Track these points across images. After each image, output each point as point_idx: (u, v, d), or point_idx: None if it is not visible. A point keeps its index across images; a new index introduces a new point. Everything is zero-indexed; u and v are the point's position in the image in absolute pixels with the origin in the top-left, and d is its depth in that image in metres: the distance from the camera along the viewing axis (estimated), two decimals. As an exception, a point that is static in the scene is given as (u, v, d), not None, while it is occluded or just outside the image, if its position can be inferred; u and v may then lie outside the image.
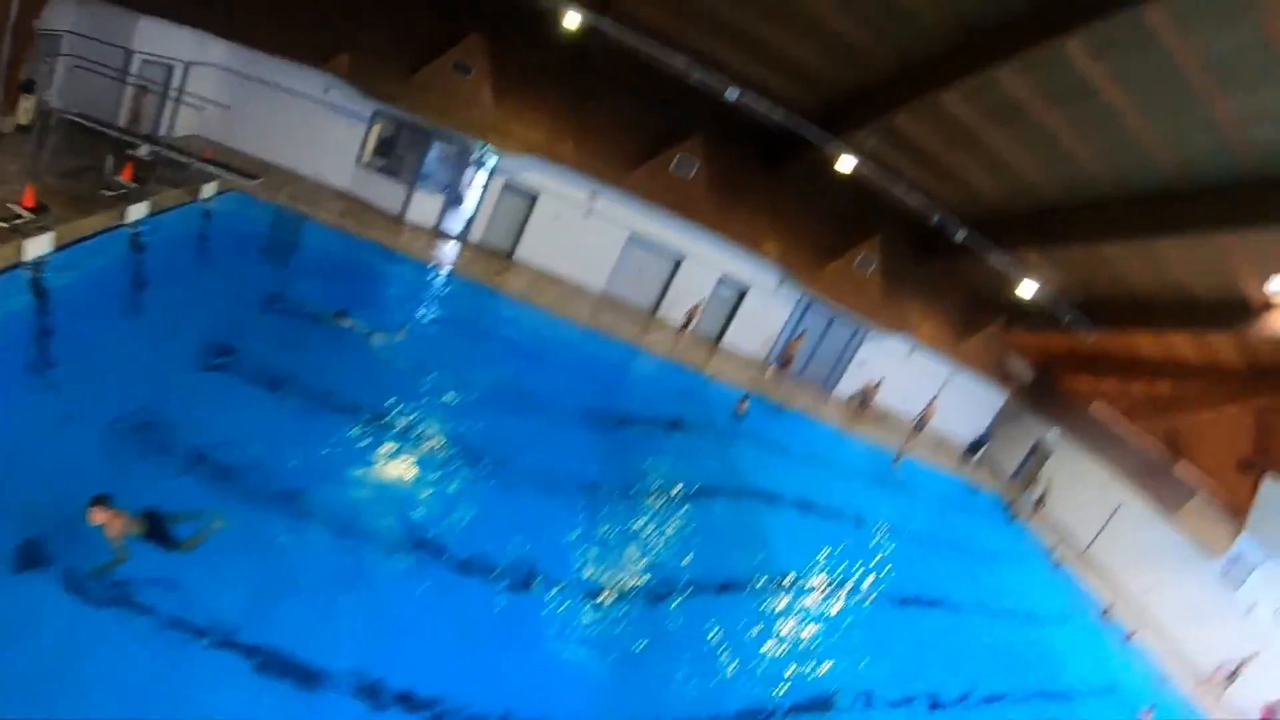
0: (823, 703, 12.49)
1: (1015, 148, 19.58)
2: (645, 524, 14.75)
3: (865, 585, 16.55)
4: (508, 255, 24.92)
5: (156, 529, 8.82)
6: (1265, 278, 18.20)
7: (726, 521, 16.30)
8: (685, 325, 26.17)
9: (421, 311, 18.85)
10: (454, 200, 24.81)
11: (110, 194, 14.74)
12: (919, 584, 17.77)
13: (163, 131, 18.61)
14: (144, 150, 16.52)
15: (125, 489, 8.78)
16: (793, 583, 15.28)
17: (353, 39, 21.38)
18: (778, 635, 13.55)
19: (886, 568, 17.69)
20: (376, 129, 22.71)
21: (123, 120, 17.76)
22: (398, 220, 22.87)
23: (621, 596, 12.48)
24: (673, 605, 12.89)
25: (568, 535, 13.28)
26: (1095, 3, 12.97)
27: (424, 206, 23.46)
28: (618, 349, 22.28)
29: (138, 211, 14.80)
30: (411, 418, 14.19)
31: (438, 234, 23.66)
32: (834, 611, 15.09)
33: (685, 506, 15.98)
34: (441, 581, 10.93)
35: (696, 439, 19.48)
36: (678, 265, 26.33)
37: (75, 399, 10.52)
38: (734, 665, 12.29)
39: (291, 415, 12.75)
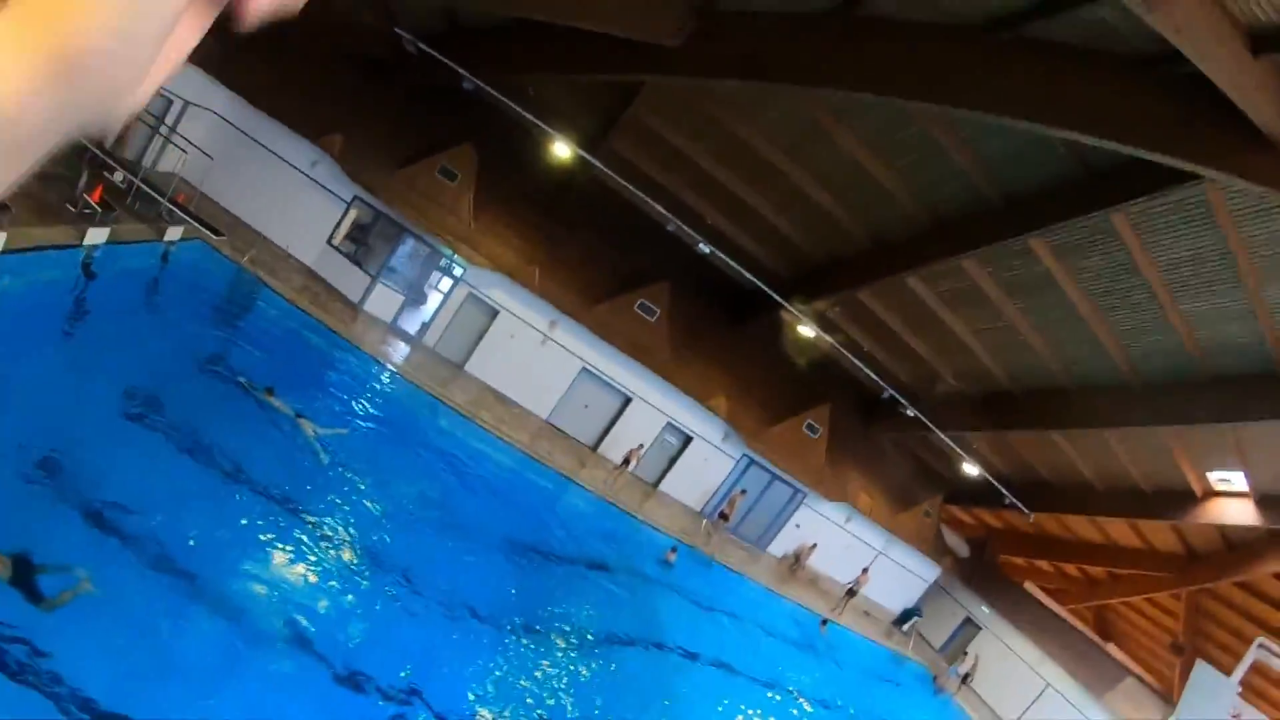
0: None
1: (971, 333, 20.23)
2: (549, 667, 13.89)
3: None
4: (459, 366, 24.36)
5: (22, 575, 8.05)
6: (1206, 470, 18.88)
7: (637, 675, 15.50)
8: (624, 465, 25.68)
9: (358, 406, 18.12)
10: (415, 300, 24.49)
11: (74, 210, 14.05)
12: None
13: (146, 163, 18.03)
14: (119, 176, 15.94)
15: (4, 525, 8.20)
16: None
17: (350, 121, 21.41)
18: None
19: None
20: (353, 214, 22.46)
21: (108, 140, 17.05)
22: (355, 308, 22.28)
23: None
24: None
25: (463, 667, 12.42)
26: (1063, 208, 13.50)
27: (384, 300, 22.94)
28: (552, 479, 21.61)
29: (97, 235, 14.12)
30: (324, 515, 13.37)
31: (392, 330, 23.07)
32: None
33: (596, 653, 15.21)
34: (321, 693, 10.03)
35: (619, 584, 18.76)
36: (625, 405, 26.01)
37: None
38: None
39: (201, 486, 11.89)
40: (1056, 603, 28.54)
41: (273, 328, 18.03)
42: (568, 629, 15.30)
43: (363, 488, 14.83)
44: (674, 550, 21.42)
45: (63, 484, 9.96)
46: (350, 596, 12.05)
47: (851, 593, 28.33)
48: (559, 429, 25.60)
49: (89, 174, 14.68)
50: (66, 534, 9.28)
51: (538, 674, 13.40)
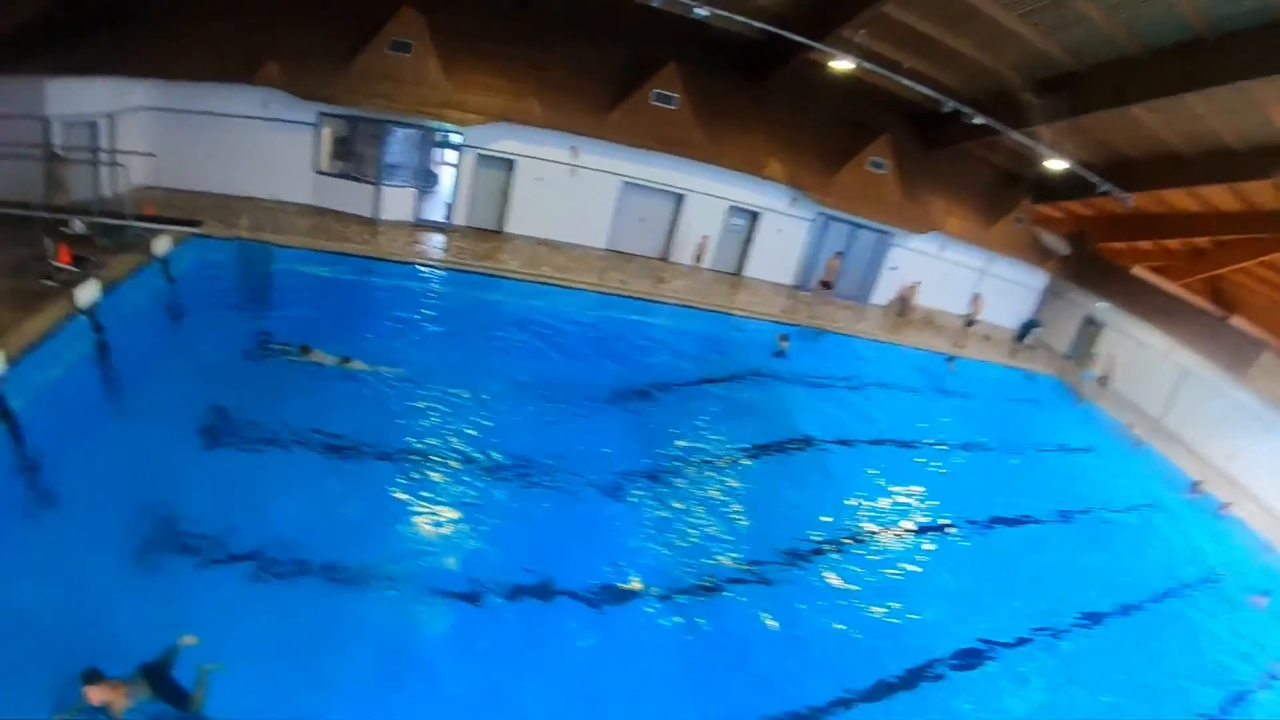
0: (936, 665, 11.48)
1: (1017, 19, 17.82)
2: (712, 497, 13.81)
3: (950, 509, 15.48)
4: (498, 232, 23.32)
5: (161, 683, 7.79)
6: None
7: (785, 475, 15.24)
8: (697, 259, 24.58)
9: (417, 315, 17.57)
10: (427, 187, 23.20)
11: (53, 284, 13.22)
12: (1003, 497, 16.70)
13: (107, 193, 16.89)
14: (76, 225, 14.92)
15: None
16: (878, 526, 14.41)
17: (278, 45, 19.57)
18: (880, 591, 12.60)
19: (968, 483, 16.70)
20: (328, 132, 21.00)
21: (44, 197, 15.85)
22: (372, 222, 21.24)
23: (706, 587, 11.61)
24: (759, 584, 12.01)
25: (627, 533, 12.36)
26: None
27: (396, 201, 21.80)
28: (636, 308, 20.89)
29: (89, 294, 13.29)
30: (438, 446, 13.12)
31: (418, 226, 22.06)
32: (925, 548, 14.18)
33: (741, 469, 15.04)
34: (518, 618, 10.17)
35: (739, 390, 18.26)
36: (679, 204, 24.69)
37: (78, 523, 9.56)
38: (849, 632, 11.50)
39: (296, 473, 11.67)
40: (1168, 282, 26.62)
41: (301, 282, 17.34)
42: (706, 455, 15.08)
43: (455, 397, 14.53)
44: (784, 337, 20.58)
45: (184, 541, 9.89)
46: (491, 512, 11.96)
47: (970, 322, 27.17)
48: (623, 253, 24.58)
49: (48, 241, 13.71)
50: (215, 585, 9.35)
51: (697, 511, 13.30)
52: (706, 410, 16.87)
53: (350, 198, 21.28)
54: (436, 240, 21.34)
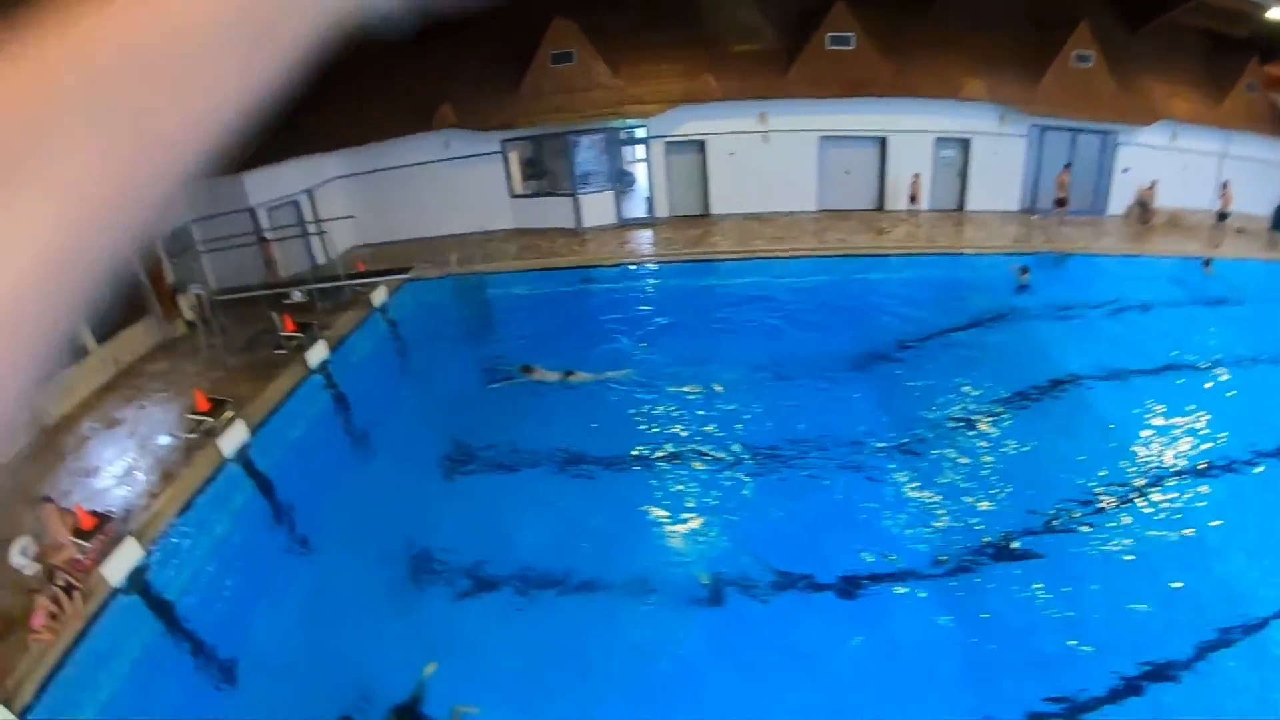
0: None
1: None
2: (972, 462, 11.98)
3: (1241, 441, 12.09)
4: (704, 215, 22.26)
5: None
6: None
7: (1058, 421, 12.98)
8: (912, 200, 22.29)
9: (641, 315, 16.84)
10: (623, 187, 22.57)
11: (283, 352, 13.54)
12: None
13: (320, 260, 17.53)
14: (296, 295, 15.55)
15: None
16: (1159, 472, 11.61)
17: (448, 88, 19.67)
18: (1172, 552, 10.03)
19: (1257, 407, 13.10)
20: (514, 156, 20.96)
21: (263, 277, 16.79)
22: (577, 232, 20.83)
23: (974, 564, 9.96)
24: (1032, 557, 10.09)
25: (892, 517, 10.84)
26: None
27: (596, 207, 21.30)
28: (861, 265, 19.07)
29: (318, 354, 13.53)
30: (677, 447, 12.25)
31: (623, 227, 21.45)
32: (1219, 494, 11.14)
33: (1009, 420, 13.02)
34: (820, 611, 9.29)
35: (986, 335, 16.06)
36: (884, 148, 22.60)
37: (334, 566, 9.73)
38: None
39: (550, 494, 11.22)
40: None
41: (519, 304, 17.14)
42: (959, 413, 13.26)
43: (688, 392, 13.64)
44: (1024, 269, 17.95)
45: (428, 572, 9.80)
46: (739, 509, 11.00)
47: (1222, 216, 22.76)
48: (835, 211, 22.74)
49: (273, 315, 14.17)
50: (462, 621, 9.08)
51: (957, 479, 11.56)
52: (954, 363, 15.02)
53: (550, 214, 21.00)
54: (644, 237, 20.63)
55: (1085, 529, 10.48)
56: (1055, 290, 17.58)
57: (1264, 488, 11.18)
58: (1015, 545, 10.20)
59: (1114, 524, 10.55)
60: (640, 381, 13.88)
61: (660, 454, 12.05)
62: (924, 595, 9.49)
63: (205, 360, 13.83)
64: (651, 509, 10.93)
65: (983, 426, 12.88)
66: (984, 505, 10.92)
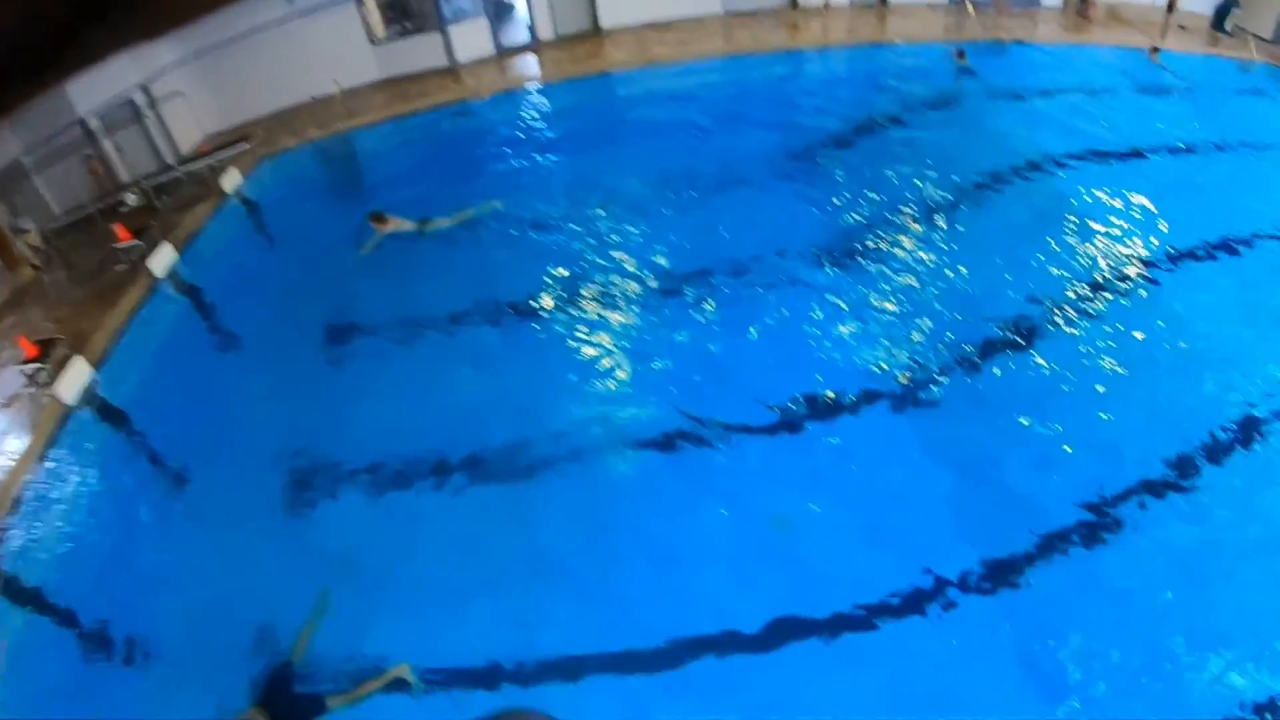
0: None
1: None
2: (926, 263, 10.77)
3: (1193, 230, 10.91)
4: (594, 30, 19.85)
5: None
6: None
7: (1007, 215, 11.76)
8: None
9: (532, 148, 14.92)
10: (499, 12, 19.98)
11: (124, 267, 11.71)
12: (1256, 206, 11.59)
13: (169, 159, 15.32)
14: (130, 199, 13.67)
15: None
16: (1119, 267, 10.40)
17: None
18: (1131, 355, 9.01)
19: (1209, 196, 11.89)
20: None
21: (91, 192, 14.51)
22: (452, 69, 18.50)
23: (930, 381, 8.89)
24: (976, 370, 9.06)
25: (835, 336, 9.60)
26: None
27: (470, 38, 18.80)
28: (777, 63, 17.20)
29: (164, 260, 11.83)
30: (585, 280, 10.90)
31: (503, 55, 19.10)
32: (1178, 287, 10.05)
33: (961, 218, 11.69)
34: (771, 449, 8.23)
35: (929, 126, 14.41)
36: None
37: (220, 486, 8.45)
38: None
39: (447, 362, 9.86)
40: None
41: (393, 160, 15.20)
42: (902, 214, 11.84)
43: (592, 218, 12.17)
44: (960, 53, 16.02)
45: (329, 473, 8.47)
46: (682, 331, 9.86)
47: (1171, 6, 20.09)
48: (742, 12, 20.24)
49: (106, 224, 12.52)
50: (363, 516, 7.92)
51: (906, 286, 10.35)
52: (893, 159, 13.36)
53: (419, 55, 18.58)
54: (527, 62, 18.50)
55: (1039, 334, 9.41)
56: (998, 78, 15.89)
57: (1217, 282, 10.19)
58: (976, 356, 9.10)
59: (1080, 326, 9.51)
60: (535, 216, 12.33)
61: (568, 295, 10.61)
62: (888, 420, 8.45)
63: (54, 300, 11.98)
64: (566, 363, 9.53)
65: (926, 225, 11.55)
66: (942, 316, 9.74)
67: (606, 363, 9.44)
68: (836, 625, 6.48)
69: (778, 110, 15.44)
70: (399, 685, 6.17)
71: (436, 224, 12.22)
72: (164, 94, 15.89)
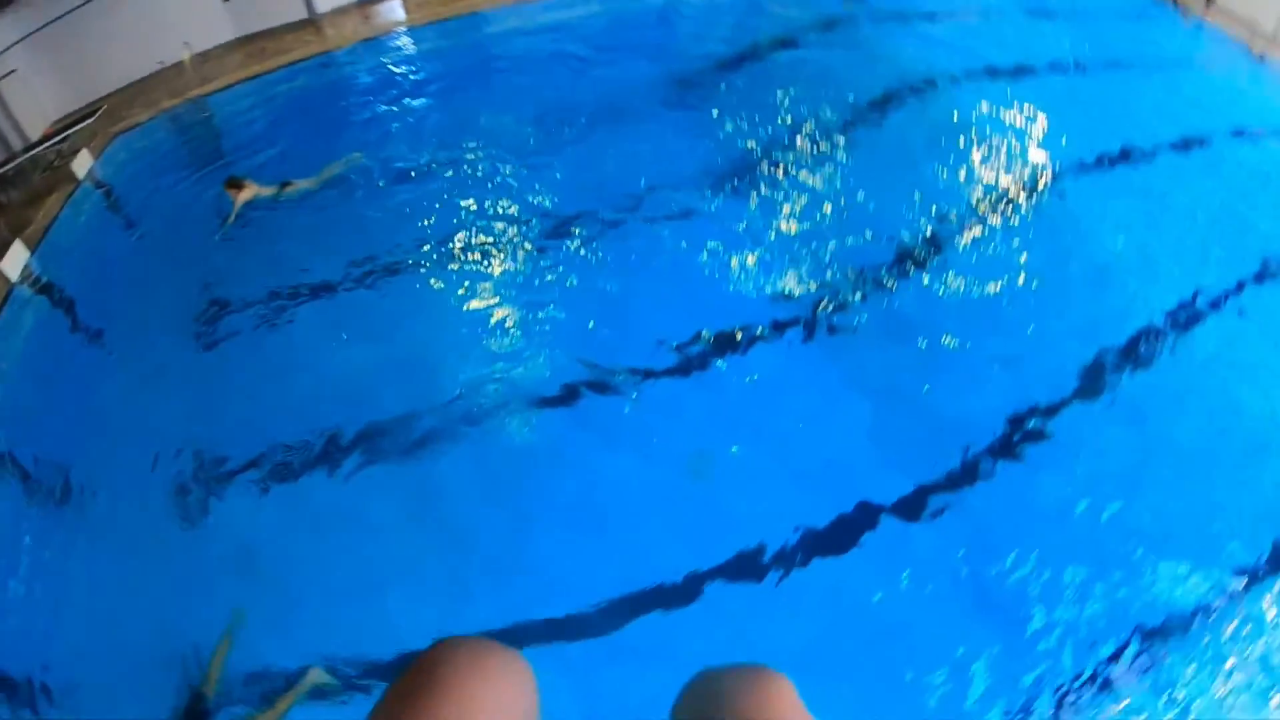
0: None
1: None
2: (824, 184, 10.53)
3: (1077, 146, 10.90)
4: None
5: None
6: None
7: (897, 138, 11.52)
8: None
9: (398, 90, 14.28)
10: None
11: (-28, 270, 10.88)
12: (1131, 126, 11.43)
13: (15, 148, 14.15)
14: None
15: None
16: (1010, 186, 10.34)
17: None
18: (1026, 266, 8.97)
19: (1088, 116, 11.84)
20: (213, -53, 16.94)
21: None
22: (311, 21, 17.45)
23: (850, 295, 8.74)
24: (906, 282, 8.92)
25: (743, 253, 9.38)
26: None
27: (326, -14, 17.73)
28: None
29: (15, 261, 10.87)
30: (476, 225, 10.41)
31: (367, 3, 18.05)
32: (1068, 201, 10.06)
33: (856, 136, 11.44)
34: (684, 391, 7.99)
35: (816, 45, 14.02)
36: None
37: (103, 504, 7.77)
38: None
39: (321, 336, 9.24)
40: None
41: (254, 123, 14.21)
42: (805, 132, 11.51)
43: (463, 164, 11.60)
44: None
45: (214, 473, 7.90)
46: (572, 276, 9.44)
47: None
48: None
49: None
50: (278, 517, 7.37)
51: (813, 203, 10.13)
52: (780, 82, 12.92)
53: (275, 7, 17.39)
54: (393, 7, 17.42)
55: (961, 246, 9.34)
56: (884, 2, 15.56)
57: (1131, 185, 10.30)
58: (885, 278, 8.92)
59: (989, 242, 9.46)
60: (399, 168, 11.70)
61: (447, 248, 10.09)
62: (800, 351, 8.25)
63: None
64: (452, 321, 9.12)
65: (831, 147, 11.24)
66: (846, 239, 9.49)
67: (496, 317, 9.01)
68: (772, 567, 6.38)
69: (658, 37, 15.00)
70: (319, 693, 5.89)
71: (297, 186, 11.51)
72: (2, 76, 14.65)
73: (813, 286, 8.85)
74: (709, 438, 7.42)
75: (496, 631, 5.96)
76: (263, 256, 10.61)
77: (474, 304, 9.23)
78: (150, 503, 7.68)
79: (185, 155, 13.77)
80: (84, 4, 15.59)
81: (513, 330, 8.86)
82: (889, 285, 8.82)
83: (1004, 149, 10.95)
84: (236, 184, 11.35)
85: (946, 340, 8.06)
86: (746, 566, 6.33)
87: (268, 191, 11.48)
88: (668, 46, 14.59)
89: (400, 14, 16.85)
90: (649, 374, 8.03)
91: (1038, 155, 10.83)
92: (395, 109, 13.65)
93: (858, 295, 8.72)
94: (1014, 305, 8.43)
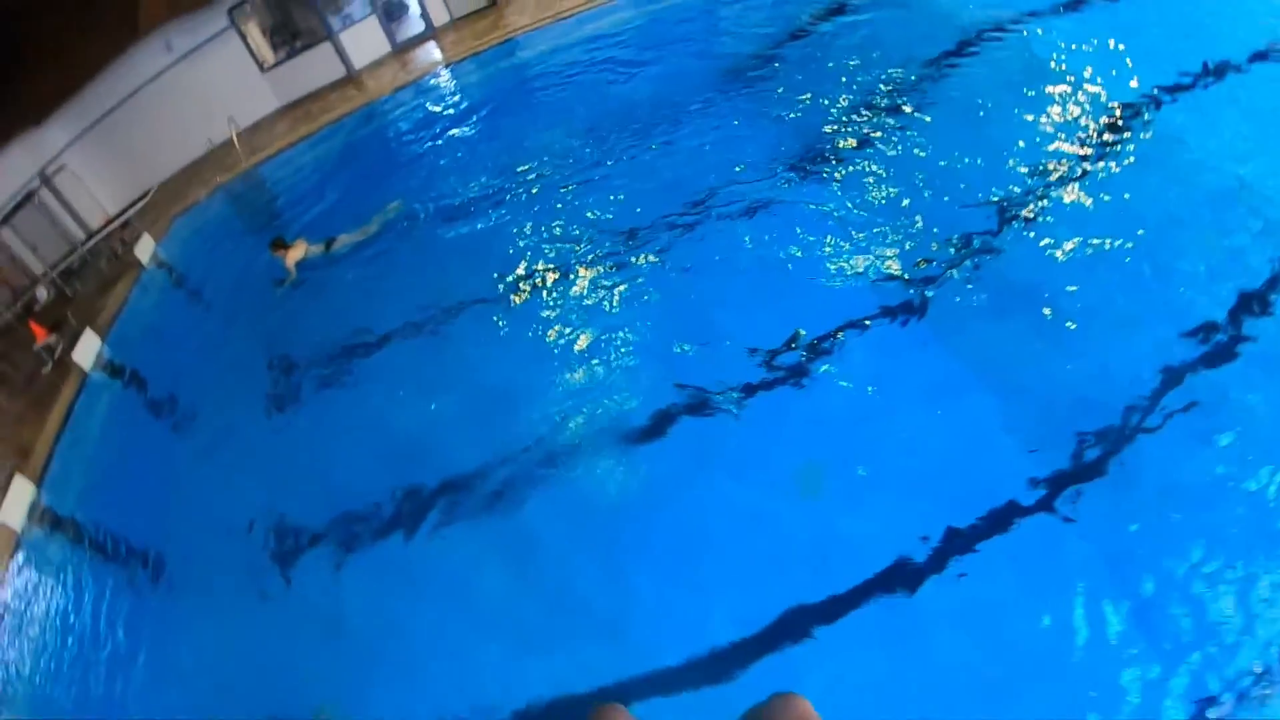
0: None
1: None
2: (901, 152, 9.43)
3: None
4: (490, 3, 18.70)
5: None
6: None
7: (980, 84, 10.40)
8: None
9: (443, 124, 13.99)
10: (389, 8, 18.92)
11: (51, 361, 11.02)
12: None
13: (78, 239, 14.32)
14: (41, 294, 12.88)
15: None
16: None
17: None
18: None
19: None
20: (250, 25, 17.20)
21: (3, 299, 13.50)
22: (352, 76, 17.48)
23: (949, 267, 7.58)
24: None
25: (826, 238, 8.33)
26: None
27: (363, 41, 17.85)
28: None
29: (89, 351, 10.93)
30: (539, 252, 9.74)
31: (402, 48, 18.09)
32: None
33: (926, 95, 10.37)
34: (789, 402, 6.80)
35: (868, 10, 13.12)
36: None
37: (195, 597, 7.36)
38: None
39: (396, 379, 8.80)
40: None
41: (305, 184, 14.11)
42: (872, 100, 10.57)
43: (524, 188, 11.05)
44: None
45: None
46: (654, 294, 8.48)
47: None
48: None
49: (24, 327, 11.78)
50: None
51: (883, 194, 8.97)
52: (837, 53, 12.06)
53: (315, 72, 17.63)
54: (428, 50, 17.48)
55: (1061, 198, 8.12)
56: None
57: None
58: (996, 246, 7.77)
59: (1092, 188, 8.16)
60: (450, 204, 11.30)
61: (510, 281, 9.39)
62: (903, 336, 7.18)
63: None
64: (526, 359, 8.26)
65: (900, 113, 10.17)
66: (935, 208, 8.45)
67: (571, 348, 8.12)
68: (903, 586, 5.41)
69: (700, 29, 14.32)
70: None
71: (344, 240, 11.23)
72: (63, 175, 14.90)
73: (918, 263, 7.67)
74: (819, 449, 6.32)
75: (609, 688, 5.27)
76: (322, 315, 10.28)
77: (545, 336, 8.42)
78: (234, 578, 7.31)
79: (241, 225, 13.80)
80: (130, 97, 15.85)
81: (591, 360, 7.94)
82: (998, 250, 7.77)
83: (1088, 86, 9.71)
84: (282, 245, 11.16)
85: (1068, 303, 6.97)
86: (878, 589, 5.39)
87: (317, 249, 11.26)
88: (712, 37, 13.93)
89: (436, 54, 16.77)
90: (744, 388, 7.04)
91: (1125, 87, 9.51)
92: (441, 145, 13.37)
93: (967, 266, 7.53)
94: (1135, 256, 7.31)
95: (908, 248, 7.94)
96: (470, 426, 7.68)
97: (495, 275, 9.50)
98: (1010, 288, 7.26)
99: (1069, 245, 7.41)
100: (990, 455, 5.92)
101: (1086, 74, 9.95)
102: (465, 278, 9.66)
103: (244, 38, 17.02)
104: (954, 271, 7.50)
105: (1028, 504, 5.43)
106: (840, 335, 7.18)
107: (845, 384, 6.77)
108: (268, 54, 17.51)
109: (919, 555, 5.33)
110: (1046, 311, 6.80)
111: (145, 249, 13.00)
